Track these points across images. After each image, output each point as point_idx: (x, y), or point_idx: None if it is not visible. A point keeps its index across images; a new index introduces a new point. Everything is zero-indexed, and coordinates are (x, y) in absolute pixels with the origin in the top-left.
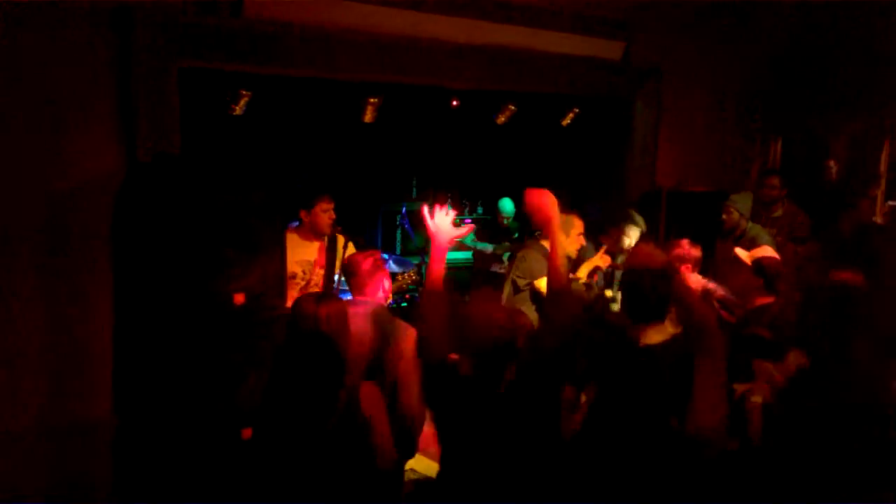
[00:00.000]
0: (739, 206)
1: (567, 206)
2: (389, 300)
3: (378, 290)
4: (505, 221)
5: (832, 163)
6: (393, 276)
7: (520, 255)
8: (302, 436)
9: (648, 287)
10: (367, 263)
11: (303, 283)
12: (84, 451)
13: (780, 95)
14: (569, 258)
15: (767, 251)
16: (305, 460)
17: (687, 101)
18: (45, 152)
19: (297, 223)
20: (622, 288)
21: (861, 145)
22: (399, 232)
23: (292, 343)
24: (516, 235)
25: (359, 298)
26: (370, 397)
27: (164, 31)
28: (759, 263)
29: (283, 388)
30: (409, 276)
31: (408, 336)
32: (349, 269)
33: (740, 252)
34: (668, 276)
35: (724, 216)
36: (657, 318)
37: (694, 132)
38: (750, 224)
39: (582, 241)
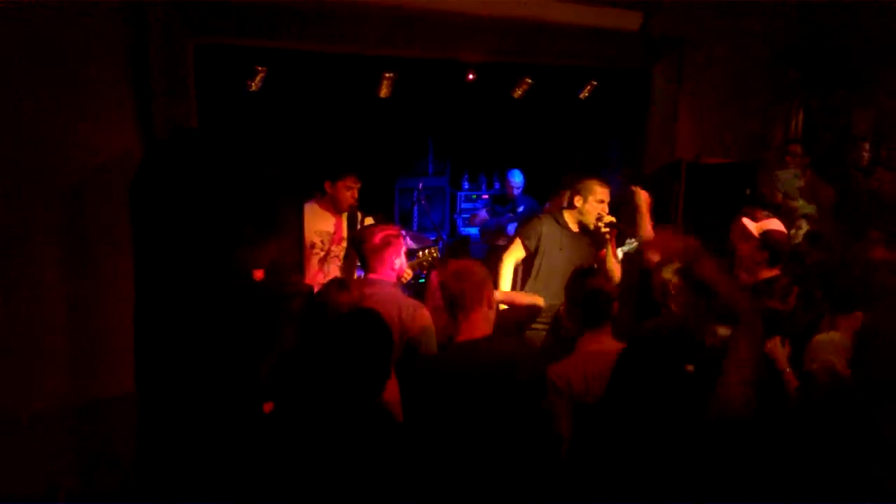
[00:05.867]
0: (781, 185)
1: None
2: (407, 277)
3: (388, 267)
4: (514, 191)
5: (867, 146)
6: (412, 252)
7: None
8: (333, 418)
9: None
10: (376, 238)
11: (322, 253)
12: (108, 429)
13: (802, 66)
14: (587, 228)
15: (775, 224)
16: (330, 442)
17: (707, 71)
18: (62, 130)
19: (320, 193)
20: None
21: (885, 119)
22: (416, 208)
23: (341, 322)
24: (521, 209)
25: (371, 277)
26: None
27: (179, 8)
28: (766, 236)
29: (326, 367)
30: (431, 252)
31: (419, 316)
32: (357, 242)
33: (748, 223)
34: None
35: (764, 190)
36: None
37: (714, 103)
38: (802, 202)
39: (604, 209)
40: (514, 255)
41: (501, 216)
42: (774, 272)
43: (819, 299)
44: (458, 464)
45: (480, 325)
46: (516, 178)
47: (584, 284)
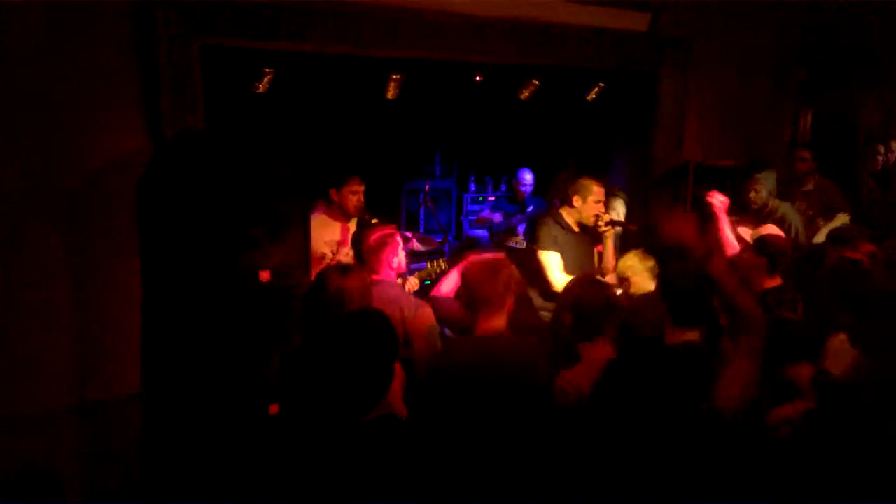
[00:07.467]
0: (767, 184)
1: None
2: (413, 288)
3: (386, 266)
4: (523, 190)
5: (881, 148)
6: (418, 254)
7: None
8: (342, 419)
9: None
10: (371, 239)
11: (333, 263)
12: (113, 429)
13: (811, 67)
14: (587, 228)
15: (771, 229)
16: (340, 442)
17: (715, 73)
18: (67, 130)
19: (327, 202)
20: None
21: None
22: (423, 210)
23: (343, 322)
24: (530, 209)
25: (372, 278)
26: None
27: (185, 9)
28: (762, 241)
29: (328, 368)
30: (439, 263)
31: (422, 315)
32: (355, 244)
33: (743, 230)
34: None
35: (751, 195)
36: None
37: (722, 105)
38: (778, 202)
39: (601, 209)
40: (559, 264)
41: (512, 216)
42: (776, 281)
43: (833, 304)
44: (469, 462)
45: (498, 324)
46: (526, 177)
47: (585, 297)
